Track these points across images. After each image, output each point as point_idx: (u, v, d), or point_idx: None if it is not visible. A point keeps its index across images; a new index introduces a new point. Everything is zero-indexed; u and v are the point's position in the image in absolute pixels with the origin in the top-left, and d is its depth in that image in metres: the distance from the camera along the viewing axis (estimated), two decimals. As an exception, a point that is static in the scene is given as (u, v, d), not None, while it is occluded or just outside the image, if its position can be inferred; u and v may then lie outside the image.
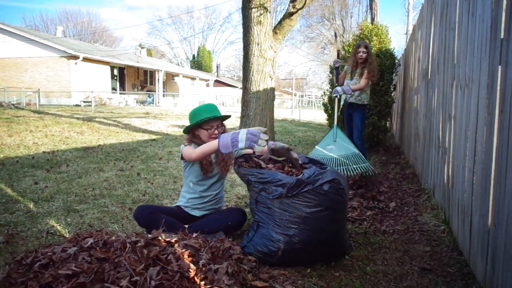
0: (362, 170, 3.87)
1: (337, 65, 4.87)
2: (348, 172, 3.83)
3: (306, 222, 2.11)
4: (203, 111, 2.57)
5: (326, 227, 2.15)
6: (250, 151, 2.45)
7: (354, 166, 3.93)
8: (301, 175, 2.20)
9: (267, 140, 2.17)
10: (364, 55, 4.69)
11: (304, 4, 6.74)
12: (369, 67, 4.65)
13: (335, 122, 4.49)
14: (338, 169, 3.92)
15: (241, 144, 2.13)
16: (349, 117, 4.94)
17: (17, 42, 20.41)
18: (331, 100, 6.96)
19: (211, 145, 2.26)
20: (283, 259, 2.15)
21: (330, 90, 7.08)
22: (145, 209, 2.54)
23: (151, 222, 2.37)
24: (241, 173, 2.37)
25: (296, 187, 2.10)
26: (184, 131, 2.67)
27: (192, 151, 2.41)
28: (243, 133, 2.14)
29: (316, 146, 4.56)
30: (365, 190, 3.77)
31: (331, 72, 7.11)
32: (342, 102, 4.94)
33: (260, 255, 2.15)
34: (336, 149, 4.21)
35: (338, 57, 5.36)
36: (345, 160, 4.02)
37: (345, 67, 5.02)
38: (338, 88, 4.55)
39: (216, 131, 2.57)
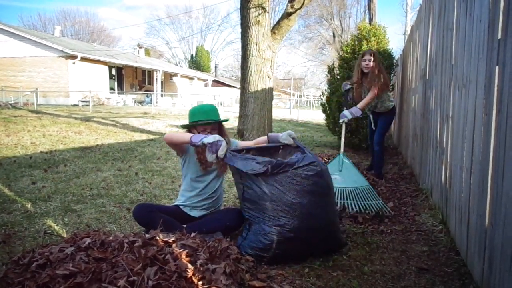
0: (374, 208, 3.14)
1: (346, 88, 4.42)
2: (356, 208, 3.14)
3: (294, 209, 2.15)
4: (199, 113, 2.58)
5: (315, 212, 2.19)
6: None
7: (364, 202, 3.23)
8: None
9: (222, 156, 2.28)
10: (371, 64, 4.16)
11: (303, 4, 6.75)
12: (378, 77, 4.13)
13: (342, 150, 3.91)
14: (343, 202, 3.24)
15: (207, 140, 2.25)
16: (373, 122, 4.55)
17: (15, 41, 20.36)
18: (329, 100, 6.96)
19: (185, 136, 2.39)
20: (279, 252, 2.16)
21: (328, 90, 7.07)
22: (145, 207, 2.54)
23: (150, 221, 2.38)
24: (230, 164, 2.35)
25: (276, 167, 2.15)
26: (182, 127, 2.70)
27: (173, 134, 2.51)
28: (212, 137, 2.28)
29: None
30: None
31: (329, 72, 7.11)
32: (370, 116, 4.53)
33: (255, 252, 2.17)
34: (341, 180, 3.52)
35: (348, 78, 4.98)
36: (352, 194, 3.33)
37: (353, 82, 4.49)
38: (346, 112, 4.03)
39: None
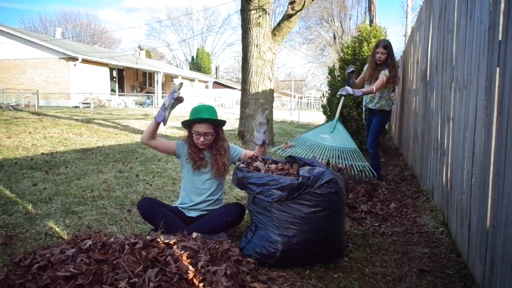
0: (357, 168, 3.36)
1: (349, 70, 4.45)
2: (341, 165, 3.37)
3: (305, 223, 2.11)
4: (193, 112, 2.58)
5: (325, 227, 2.16)
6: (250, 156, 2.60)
7: (349, 162, 3.43)
8: (300, 178, 2.15)
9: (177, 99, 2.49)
10: (383, 57, 4.17)
11: (303, 6, 6.76)
12: (388, 69, 4.16)
13: (337, 116, 4.06)
14: (328, 159, 3.45)
15: (165, 102, 2.46)
16: (369, 124, 4.52)
17: (16, 43, 20.42)
18: (329, 101, 6.96)
19: (151, 123, 2.53)
20: (282, 260, 2.15)
21: (329, 91, 7.08)
22: (150, 201, 2.56)
23: (153, 215, 2.40)
24: (238, 177, 2.34)
25: (298, 189, 2.10)
26: (183, 126, 2.69)
27: (145, 131, 2.58)
28: (164, 99, 2.53)
29: (305, 134, 3.98)
30: (364, 192, 3.77)
31: (329, 73, 7.11)
32: (363, 108, 4.57)
33: (258, 257, 2.15)
34: (331, 139, 3.69)
35: (354, 64, 5.04)
36: (339, 153, 3.52)
37: (365, 66, 4.60)
38: (348, 88, 4.10)
39: (202, 138, 2.52)
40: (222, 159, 2.60)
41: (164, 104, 2.46)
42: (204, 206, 2.65)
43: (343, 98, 4.20)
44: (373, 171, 3.38)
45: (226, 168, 2.65)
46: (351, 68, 4.45)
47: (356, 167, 3.35)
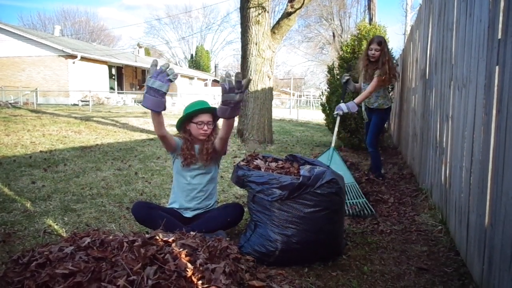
0: (356, 206, 3.16)
1: (344, 80, 4.34)
2: None
3: (304, 222, 2.11)
4: (192, 105, 2.61)
5: (325, 227, 2.16)
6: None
7: (348, 200, 3.24)
8: (301, 177, 2.13)
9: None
10: (377, 53, 3.99)
11: (302, 4, 6.75)
12: (382, 69, 3.95)
13: (333, 144, 3.79)
14: None
15: (161, 88, 2.24)
16: (369, 122, 4.40)
17: (15, 41, 20.37)
18: (329, 100, 6.96)
19: (152, 114, 2.40)
20: (281, 259, 2.15)
21: (328, 90, 7.07)
22: (144, 204, 2.54)
23: (149, 218, 2.39)
24: (238, 175, 2.33)
25: (298, 189, 2.09)
26: (177, 127, 2.69)
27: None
28: (148, 81, 2.27)
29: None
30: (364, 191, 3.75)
31: (329, 72, 7.10)
32: (363, 108, 4.41)
33: (257, 255, 2.15)
34: None
35: (348, 70, 4.88)
36: None
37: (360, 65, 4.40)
38: (342, 105, 3.89)
39: (206, 127, 2.56)
40: (207, 144, 2.61)
41: (159, 91, 2.26)
42: (197, 201, 2.63)
43: (339, 118, 3.96)
44: (371, 208, 3.15)
45: (210, 153, 2.60)
46: (345, 77, 4.32)
47: (357, 204, 3.19)
